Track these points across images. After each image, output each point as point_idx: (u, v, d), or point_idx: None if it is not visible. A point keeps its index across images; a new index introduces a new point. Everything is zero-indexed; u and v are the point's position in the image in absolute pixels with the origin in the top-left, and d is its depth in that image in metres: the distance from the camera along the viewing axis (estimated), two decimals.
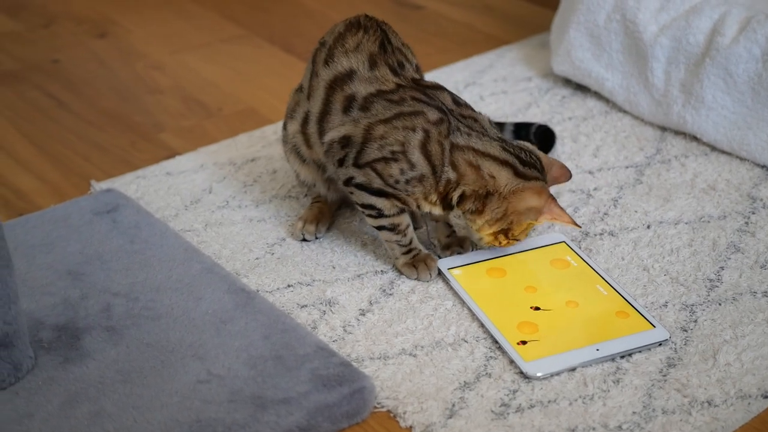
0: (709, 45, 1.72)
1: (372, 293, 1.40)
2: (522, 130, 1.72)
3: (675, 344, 1.30)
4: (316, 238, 1.51)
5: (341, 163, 1.39)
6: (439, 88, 1.40)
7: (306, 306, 1.37)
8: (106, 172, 1.71)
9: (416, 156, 1.34)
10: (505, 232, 1.37)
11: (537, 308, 1.35)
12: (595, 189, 1.63)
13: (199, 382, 1.21)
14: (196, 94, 1.99)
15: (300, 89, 1.49)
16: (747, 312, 1.35)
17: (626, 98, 1.84)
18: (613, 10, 1.84)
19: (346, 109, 1.38)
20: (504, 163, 1.34)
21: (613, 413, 1.19)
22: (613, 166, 1.69)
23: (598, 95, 1.91)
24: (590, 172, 1.67)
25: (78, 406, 1.18)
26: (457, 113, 1.37)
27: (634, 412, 1.19)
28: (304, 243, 1.51)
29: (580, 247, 1.48)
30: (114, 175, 1.69)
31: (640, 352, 1.28)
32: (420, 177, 1.35)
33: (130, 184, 1.65)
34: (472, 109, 1.40)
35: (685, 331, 1.32)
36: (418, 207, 1.38)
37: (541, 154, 1.40)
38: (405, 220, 1.41)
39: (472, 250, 1.47)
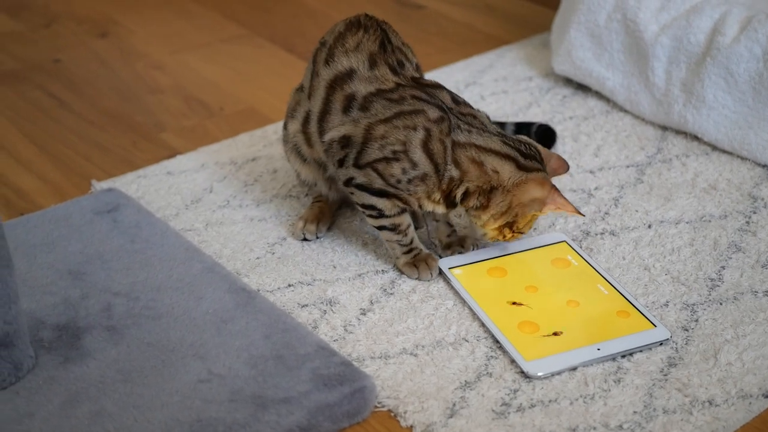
0: (710, 44, 1.72)
1: (373, 293, 1.40)
2: (523, 129, 1.72)
3: (676, 344, 1.30)
4: (317, 237, 1.51)
5: (341, 163, 1.39)
6: (438, 86, 1.40)
7: (307, 305, 1.37)
8: (107, 172, 1.71)
9: (418, 155, 1.34)
10: (510, 225, 1.37)
11: (515, 303, 1.35)
12: (596, 188, 1.63)
13: (199, 381, 1.21)
14: (197, 93, 1.99)
15: (300, 89, 1.49)
16: (748, 311, 1.35)
17: (627, 98, 1.84)
18: (614, 10, 1.84)
19: (346, 108, 1.38)
20: (506, 157, 1.35)
21: (614, 413, 1.19)
22: (614, 165, 1.69)
23: (598, 95, 1.91)
24: (591, 172, 1.67)
25: (78, 405, 1.18)
26: (456, 111, 1.37)
27: (635, 412, 1.19)
28: (304, 242, 1.51)
29: (581, 247, 1.48)
30: (115, 175, 1.69)
31: (641, 351, 1.28)
32: (423, 176, 1.35)
33: (131, 184, 1.65)
34: (471, 107, 1.40)
35: (686, 330, 1.32)
36: (420, 206, 1.38)
37: (539, 146, 1.41)
38: (406, 220, 1.41)
39: (473, 250, 1.47)
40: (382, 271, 1.44)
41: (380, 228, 1.41)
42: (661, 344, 1.29)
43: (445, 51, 2.15)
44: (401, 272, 1.43)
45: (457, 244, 1.47)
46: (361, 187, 1.38)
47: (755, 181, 1.64)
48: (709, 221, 1.54)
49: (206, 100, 1.96)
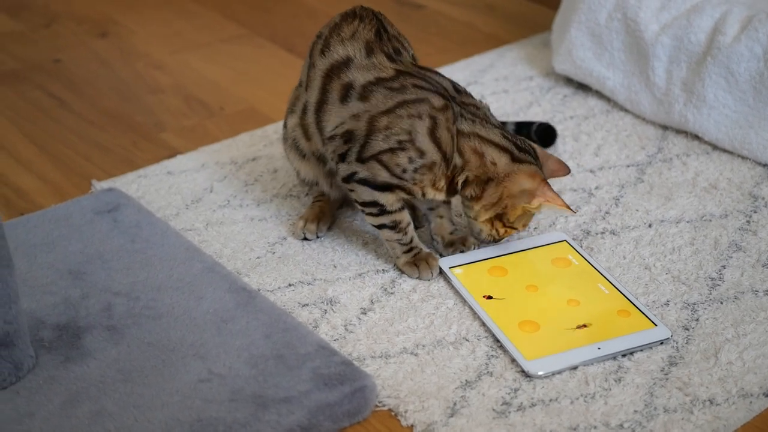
0: (710, 44, 1.72)
1: (373, 292, 1.40)
2: (523, 128, 1.73)
3: (677, 343, 1.29)
4: (318, 237, 1.51)
5: (343, 158, 1.38)
6: (438, 74, 1.40)
7: (307, 305, 1.37)
8: (107, 172, 1.71)
9: (426, 143, 1.33)
10: (500, 217, 1.37)
11: (489, 297, 1.36)
12: (596, 188, 1.63)
13: (200, 381, 1.21)
14: (198, 93, 1.99)
15: (299, 85, 1.49)
16: (749, 311, 1.35)
17: (627, 97, 1.84)
18: (615, 9, 1.84)
19: (344, 97, 1.37)
20: (503, 149, 1.35)
21: (615, 412, 1.19)
22: (614, 164, 1.69)
23: (599, 94, 1.91)
24: (591, 171, 1.67)
25: (79, 405, 1.18)
26: (459, 101, 1.37)
27: (635, 411, 1.19)
28: (305, 242, 1.51)
29: (581, 246, 1.48)
30: (115, 175, 1.69)
31: (641, 350, 1.28)
32: (430, 164, 1.34)
33: (131, 184, 1.65)
34: (472, 96, 1.41)
35: (687, 329, 1.32)
36: (423, 195, 1.38)
37: (535, 146, 1.41)
38: (406, 217, 1.40)
39: (475, 249, 1.47)
40: (383, 270, 1.44)
41: (380, 227, 1.41)
42: (662, 343, 1.29)
43: (446, 51, 2.15)
44: (402, 272, 1.43)
45: (460, 242, 1.47)
46: (364, 182, 1.37)
47: (756, 180, 1.63)
48: (710, 220, 1.54)
49: (206, 100, 1.96)
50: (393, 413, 1.21)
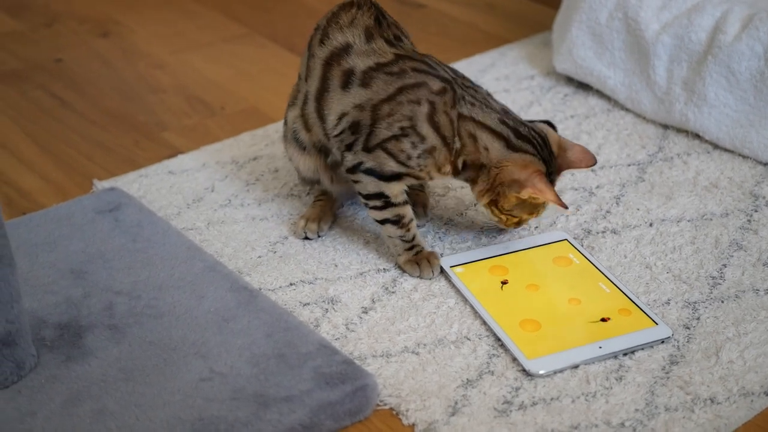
0: (711, 43, 1.72)
1: (374, 291, 1.40)
2: None
3: (678, 342, 1.29)
4: (319, 236, 1.51)
5: (350, 147, 1.38)
6: (434, 59, 1.40)
7: (308, 304, 1.38)
8: (108, 171, 1.71)
9: (425, 128, 1.34)
10: (495, 203, 1.37)
11: (505, 282, 1.39)
12: (597, 187, 1.63)
13: (201, 380, 1.21)
14: (199, 93, 1.99)
15: (298, 78, 1.49)
16: (750, 309, 1.35)
17: (628, 96, 1.84)
18: (615, 9, 1.84)
19: (345, 84, 1.37)
20: (498, 135, 1.34)
21: (616, 410, 1.19)
22: (615, 164, 1.69)
23: (600, 93, 1.91)
24: (592, 170, 1.67)
25: (80, 404, 1.18)
26: (460, 83, 1.37)
27: (636, 410, 1.19)
28: (306, 241, 1.51)
29: (582, 245, 1.48)
30: (117, 174, 1.69)
31: (642, 349, 1.28)
32: (430, 149, 1.34)
33: (133, 183, 1.65)
34: (471, 81, 1.41)
35: (688, 328, 1.32)
36: (431, 178, 1.39)
37: (556, 136, 1.39)
38: (409, 213, 1.41)
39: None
40: (384, 269, 1.44)
41: (383, 222, 1.41)
42: (663, 342, 1.29)
43: (446, 50, 2.15)
44: (403, 270, 1.43)
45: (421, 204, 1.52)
46: (370, 172, 1.37)
47: (756, 179, 1.64)
48: (711, 219, 1.54)
49: (208, 100, 1.96)
50: (394, 412, 1.21)
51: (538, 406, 1.20)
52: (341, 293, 1.39)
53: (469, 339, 1.31)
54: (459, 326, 1.33)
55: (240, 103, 1.95)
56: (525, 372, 1.25)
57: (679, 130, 1.78)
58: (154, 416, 1.16)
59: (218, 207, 1.59)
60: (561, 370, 1.25)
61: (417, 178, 1.38)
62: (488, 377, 1.24)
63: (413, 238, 1.42)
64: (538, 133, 1.37)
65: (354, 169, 1.38)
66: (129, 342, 1.27)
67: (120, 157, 1.75)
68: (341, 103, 1.38)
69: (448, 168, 1.37)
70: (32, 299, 1.34)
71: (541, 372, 1.24)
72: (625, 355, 1.28)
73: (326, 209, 1.53)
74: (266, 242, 1.51)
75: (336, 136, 1.39)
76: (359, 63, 1.37)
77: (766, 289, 1.39)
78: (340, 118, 1.38)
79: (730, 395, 1.21)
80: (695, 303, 1.36)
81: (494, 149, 1.34)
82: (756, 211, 1.55)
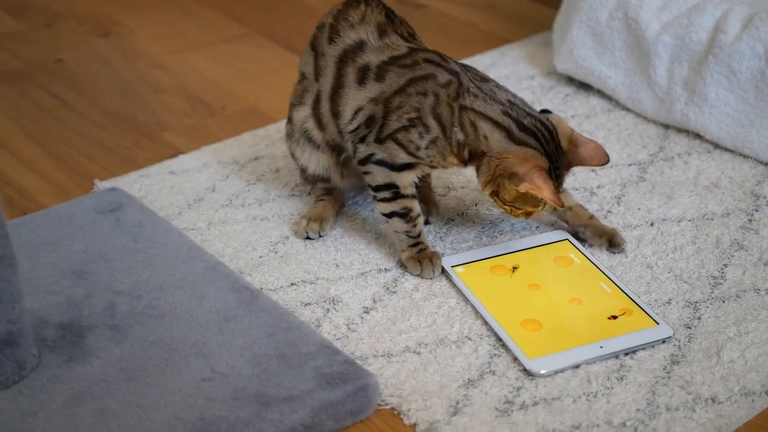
0: (711, 42, 1.72)
1: (376, 291, 1.40)
2: None
3: (679, 341, 1.30)
4: (320, 236, 1.51)
5: (363, 139, 1.39)
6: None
7: (310, 304, 1.38)
8: (109, 171, 1.71)
9: (429, 119, 1.35)
10: (497, 194, 1.37)
11: (516, 267, 1.39)
12: (598, 187, 1.63)
13: (202, 380, 1.21)
14: (200, 93, 1.99)
15: (302, 78, 1.49)
16: (751, 309, 1.35)
17: (629, 96, 1.84)
18: (616, 8, 1.84)
19: (361, 80, 1.39)
20: (499, 126, 1.34)
21: (617, 410, 1.19)
22: (616, 163, 1.69)
23: (600, 93, 1.91)
24: (593, 170, 1.67)
25: (82, 404, 1.18)
26: (469, 75, 1.38)
27: (638, 409, 1.19)
28: (307, 241, 1.51)
29: (583, 245, 1.48)
30: (117, 174, 1.69)
31: (643, 349, 1.28)
32: (434, 139, 1.36)
33: (134, 183, 1.65)
34: (482, 74, 1.41)
35: (689, 328, 1.32)
36: (444, 167, 1.39)
37: (568, 130, 1.37)
38: (417, 207, 1.41)
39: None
40: (385, 269, 1.44)
41: (391, 215, 1.41)
42: (664, 342, 1.29)
43: (447, 50, 2.13)
44: (404, 268, 1.43)
45: (607, 236, 1.46)
46: (381, 163, 1.38)
47: (757, 179, 1.64)
48: (712, 219, 1.54)
49: (208, 100, 1.96)
50: (396, 412, 1.21)
51: (539, 405, 1.20)
52: (342, 293, 1.39)
53: (470, 339, 1.31)
54: (460, 326, 1.33)
55: (240, 103, 1.95)
56: (526, 372, 1.25)
57: (680, 130, 1.78)
58: (156, 416, 1.16)
59: (219, 207, 1.59)
60: (562, 370, 1.25)
61: (428, 167, 1.39)
62: (489, 377, 1.25)
63: (419, 235, 1.42)
64: (545, 126, 1.36)
65: (365, 161, 1.39)
66: (130, 342, 1.27)
67: (121, 157, 1.76)
68: (357, 99, 1.39)
69: (453, 158, 1.37)
70: (34, 299, 1.34)
71: (543, 372, 1.24)
72: (626, 354, 1.28)
73: (328, 209, 1.53)
74: (267, 242, 1.51)
75: (351, 131, 1.40)
76: (374, 59, 1.38)
77: (766, 288, 1.39)
78: (356, 113, 1.40)
79: (731, 395, 1.21)
80: (696, 303, 1.36)
81: (494, 139, 1.34)
82: (757, 210, 1.55)
